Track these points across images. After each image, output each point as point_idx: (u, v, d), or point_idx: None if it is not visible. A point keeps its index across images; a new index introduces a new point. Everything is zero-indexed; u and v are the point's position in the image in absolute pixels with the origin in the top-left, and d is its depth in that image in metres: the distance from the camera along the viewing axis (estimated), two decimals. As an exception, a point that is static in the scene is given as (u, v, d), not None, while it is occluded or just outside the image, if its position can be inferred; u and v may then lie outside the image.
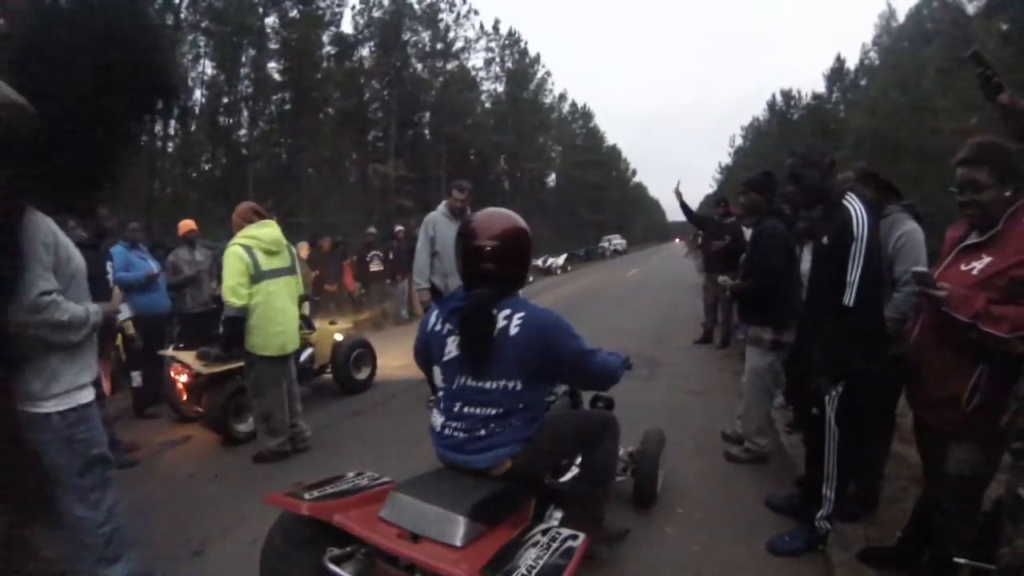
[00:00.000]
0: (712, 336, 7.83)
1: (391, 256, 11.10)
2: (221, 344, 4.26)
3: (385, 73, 29.77)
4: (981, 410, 1.76)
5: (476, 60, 36.68)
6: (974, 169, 1.85)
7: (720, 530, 2.93)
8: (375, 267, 11.02)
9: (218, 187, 22.67)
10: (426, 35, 32.20)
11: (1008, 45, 16.88)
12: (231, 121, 24.94)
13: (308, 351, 5.39)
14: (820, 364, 2.44)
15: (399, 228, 12.07)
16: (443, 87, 32.45)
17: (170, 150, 22.19)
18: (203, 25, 22.65)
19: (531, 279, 18.13)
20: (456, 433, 1.93)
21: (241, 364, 4.15)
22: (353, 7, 30.07)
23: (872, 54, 36.42)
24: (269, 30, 24.83)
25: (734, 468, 3.71)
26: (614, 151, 65.67)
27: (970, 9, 21.92)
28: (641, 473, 3.10)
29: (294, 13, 25.31)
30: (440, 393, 2.03)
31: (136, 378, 5.23)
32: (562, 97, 49.77)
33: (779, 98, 48.85)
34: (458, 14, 33.30)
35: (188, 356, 4.58)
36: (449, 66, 33.43)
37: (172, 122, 21.47)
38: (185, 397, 4.79)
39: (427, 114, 33.15)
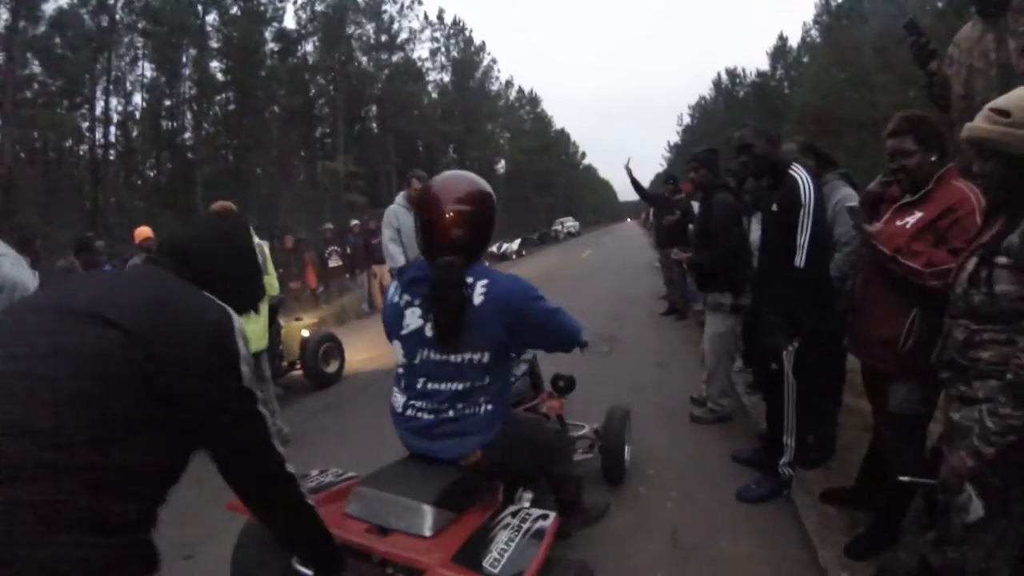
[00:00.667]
0: (676, 308, 7.88)
1: (348, 251, 11.16)
2: None
3: (330, 68, 29.25)
4: (917, 350, 1.95)
5: (421, 51, 36.46)
6: (901, 139, 2.07)
7: (691, 486, 3.11)
8: (334, 263, 11.01)
9: (165, 193, 21.89)
10: (370, 27, 31.85)
11: (942, 21, 17.75)
12: (174, 124, 24.23)
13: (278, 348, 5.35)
14: (776, 323, 2.65)
15: (354, 222, 12.05)
16: (389, 80, 32.15)
17: (111, 158, 21.28)
18: (140, 26, 21.71)
19: (487, 264, 18.18)
20: (420, 414, 1.80)
21: None
22: (295, 1, 29.38)
23: (813, 32, 37.56)
24: (210, 28, 24.25)
25: (700, 429, 3.90)
26: (562, 135, 66.14)
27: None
28: (608, 450, 3.06)
29: (235, 10, 24.65)
30: (400, 370, 1.88)
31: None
32: (508, 84, 50.04)
33: (724, 76, 49.98)
34: (402, 5, 33.12)
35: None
36: (394, 58, 33.12)
37: (112, 128, 20.55)
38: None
39: (374, 107, 32.75)
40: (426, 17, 36.60)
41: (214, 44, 24.24)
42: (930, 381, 1.85)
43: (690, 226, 5.34)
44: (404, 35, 33.81)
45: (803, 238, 2.48)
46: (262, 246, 3.99)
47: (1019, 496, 1.52)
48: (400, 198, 5.09)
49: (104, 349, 0.97)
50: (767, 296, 2.81)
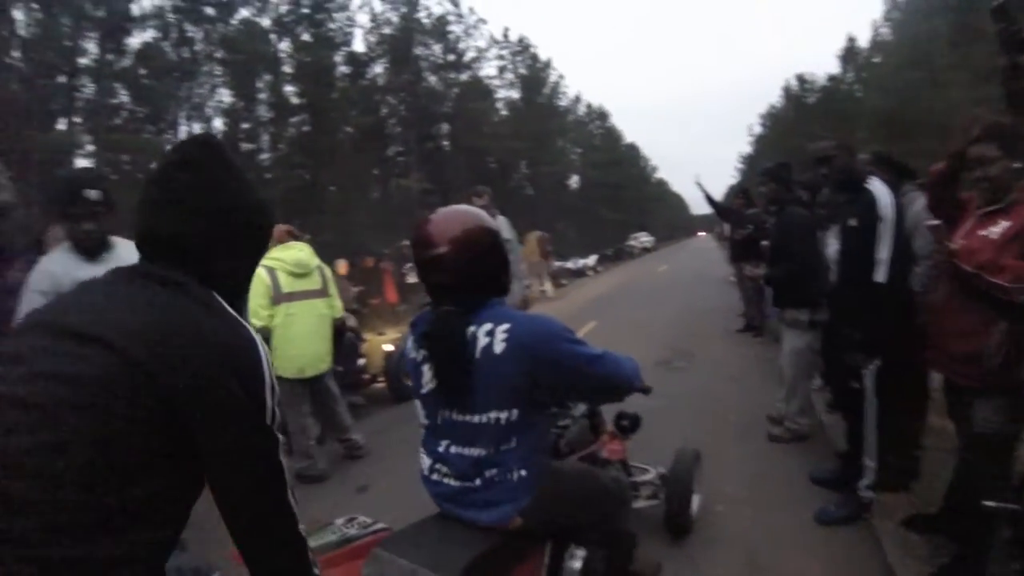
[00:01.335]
0: (753, 324, 7.66)
1: (425, 267, 11.44)
2: None
3: (400, 88, 30.30)
4: (1003, 367, 1.89)
5: (489, 69, 36.99)
6: (983, 147, 2.02)
7: (768, 505, 3.06)
8: (412, 279, 11.38)
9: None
10: (437, 48, 32.62)
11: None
12: (252, 146, 25.69)
13: (360, 361, 5.63)
14: (855, 340, 2.59)
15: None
16: (458, 98, 32.78)
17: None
18: (218, 56, 23.48)
19: (564, 283, 18.37)
20: (446, 480, 1.61)
21: None
22: (363, 26, 30.81)
23: (884, 30, 35.62)
24: (283, 55, 25.58)
25: (778, 448, 3.84)
26: (632, 148, 65.57)
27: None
28: (673, 498, 2.71)
29: (306, 36, 26.02)
30: (423, 430, 1.71)
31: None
32: (577, 99, 49.99)
33: (794, 83, 48.10)
34: (467, 25, 33.71)
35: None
36: (463, 77, 33.79)
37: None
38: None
39: (444, 125, 33.54)
40: (492, 36, 37.16)
41: (287, 69, 25.59)
42: (1018, 398, 1.79)
43: (763, 241, 5.24)
44: (471, 54, 34.46)
45: (884, 252, 2.45)
46: (323, 268, 4.10)
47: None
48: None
49: (106, 376, 0.87)
50: (846, 312, 2.76)
